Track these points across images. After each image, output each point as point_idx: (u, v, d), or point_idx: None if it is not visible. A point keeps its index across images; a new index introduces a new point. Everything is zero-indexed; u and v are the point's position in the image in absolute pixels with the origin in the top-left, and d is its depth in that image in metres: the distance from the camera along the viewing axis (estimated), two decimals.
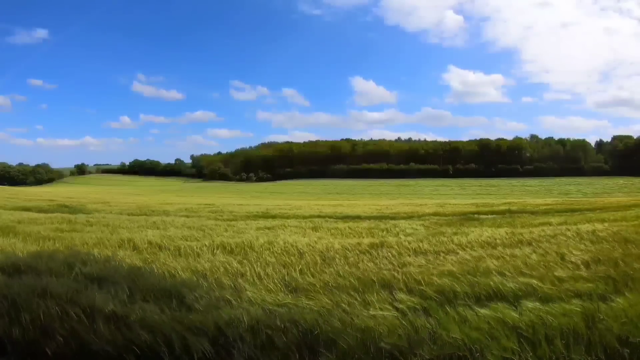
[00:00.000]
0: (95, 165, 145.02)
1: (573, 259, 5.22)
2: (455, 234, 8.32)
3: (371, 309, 3.44)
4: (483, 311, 3.20)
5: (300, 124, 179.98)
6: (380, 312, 3.33)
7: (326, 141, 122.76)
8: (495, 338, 2.79)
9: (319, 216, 15.15)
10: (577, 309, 3.23)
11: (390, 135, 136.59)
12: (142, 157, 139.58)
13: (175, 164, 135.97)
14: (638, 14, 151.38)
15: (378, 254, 6.01)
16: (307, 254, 5.94)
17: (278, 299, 3.78)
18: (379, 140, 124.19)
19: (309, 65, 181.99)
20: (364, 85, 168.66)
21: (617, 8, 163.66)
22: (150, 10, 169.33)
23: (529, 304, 3.37)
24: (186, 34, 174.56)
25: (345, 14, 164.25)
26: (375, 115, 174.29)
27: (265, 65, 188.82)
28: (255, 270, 4.91)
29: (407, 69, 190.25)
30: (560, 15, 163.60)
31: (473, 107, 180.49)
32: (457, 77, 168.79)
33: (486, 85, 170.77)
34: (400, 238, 7.63)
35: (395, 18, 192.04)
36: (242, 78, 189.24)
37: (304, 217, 14.70)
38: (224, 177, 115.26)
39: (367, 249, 6.43)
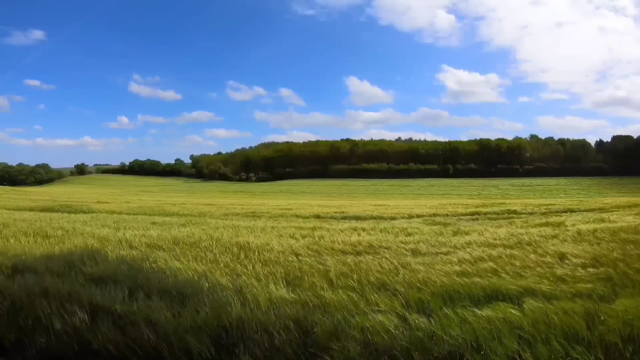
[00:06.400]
0: (95, 165, 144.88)
1: (572, 260, 5.23)
2: (455, 234, 8.33)
3: (371, 308, 3.45)
4: (483, 312, 3.21)
5: (298, 124, 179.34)
6: (381, 313, 3.34)
7: (326, 141, 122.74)
8: (496, 338, 2.80)
9: (319, 216, 15.16)
10: (578, 309, 3.24)
11: (390, 135, 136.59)
12: (142, 157, 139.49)
13: (175, 164, 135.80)
14: (632, 12, 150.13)
15: (378, 253, 6.03)
16: (307, 254, 5.96)
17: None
18: (379, 140, 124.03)
19: (304, 66, 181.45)
20: (359, 86, 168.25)
21: (611, 7, 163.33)
22: (145, 11, 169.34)
23: (529, 304, 3.38)
24: (181, 35, 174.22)
25: (339, 14, 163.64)
26: (372, 115, 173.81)
27: (261, 65, 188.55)
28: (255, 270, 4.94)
29: (402, 69, 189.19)
30: (554, 14, 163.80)
31: (470, 106, 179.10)
32: (452, 76, 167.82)
33: (482, 85, 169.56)
34: (400, 238, 7.64)
35: (389, 18, 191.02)
36: (238, 78, 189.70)
37: (306, 217, 14.72)
38: (224, 177, 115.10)
39: (367, 248, 6.45)
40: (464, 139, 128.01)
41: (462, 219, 12.94)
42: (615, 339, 2.77)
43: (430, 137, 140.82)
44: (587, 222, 10.13)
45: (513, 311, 3.20)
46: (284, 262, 5.49)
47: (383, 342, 2.84)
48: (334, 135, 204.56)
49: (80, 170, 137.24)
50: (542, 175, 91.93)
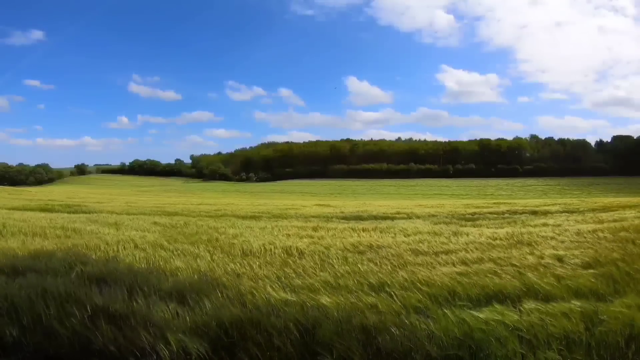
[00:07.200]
0: (95, 165, 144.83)
1: (572, 260, 5.23)
2: (455, 234, 8.33)
3: (371, 309, 3.45)
4: (483, 313, 3.20)
5: (297, 124, 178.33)
6: (380, 313, 3.34)
7: (326, 141, 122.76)
8: (496, 340, 2.79)
9: (319, 216, 15.16)
10: (578, 309, 3.23)
11: (389, 136, 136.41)
12: (142, 157, 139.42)
13: (175, 164, 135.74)
14: (632, 12, 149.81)
15: (377, 254, 6.03)
16: (307, 255, 5.96)
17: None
18: (379, 140, 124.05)
19: (303, 66, 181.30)
20: (358, 86, 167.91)
21: (611, 7, 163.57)
22: (145, 12, 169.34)
23: (529, 305, 3.36)
24: (180, 35, 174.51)
25: (338, 14, 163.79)
26: (372, 115, 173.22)
27: (260, 65, 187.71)
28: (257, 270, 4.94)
29: (401, 69, 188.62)
30: (554, 14, 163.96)
31: (469, 107, 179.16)
32: (451, 77, 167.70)
33: (481, 85, 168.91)
34: (400, 238, 7.64)
35: (388, 18, 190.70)
36: (238, 78, 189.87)
37: (306, 217, 14.72)
38: (224, 178, 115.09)
39: (367, 249, 6.45)
40: (464, 139, 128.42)
41: (461, 219, 12.93)
42: (616, 339, 2.77)
43: (430, 137, 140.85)
44: (586, 222, 10.13)
45: (513, 312, 3.19)
46: (283, 262, 5.49)
47: (382, 343, 2.84)
48: (333, 135, 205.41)
49: (81, 170, 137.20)
50: (542, 176, 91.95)
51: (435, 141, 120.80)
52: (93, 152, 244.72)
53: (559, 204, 19.05)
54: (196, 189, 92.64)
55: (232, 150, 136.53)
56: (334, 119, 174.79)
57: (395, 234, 8.56)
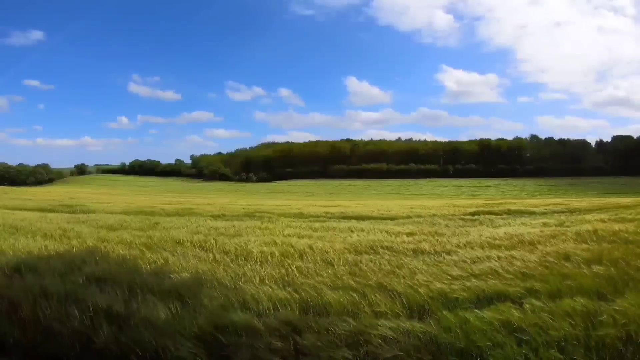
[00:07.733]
0: (95, 165, 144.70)
1: (573, 259, 5.22)
2: (455, 234, 8.32)
3: (371, 310, 3.44)
4: (484, 313, 3.19)
5: (297, 124, 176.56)
6: (380, 315, 3.33)
7: (326, 141, 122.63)
8: (496, 340, 2.79)
9: (319, 216, 15.15)
10: (579, 308, 3.22)
11: (389, 136, 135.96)
12: (142, 157, 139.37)
13: (175, 164, 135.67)
14: (632, 12, 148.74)
15: (377, 254, 6.02)
16: (306, 255, 5.95)
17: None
18: (379, 140, 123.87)
19: (303, 66, 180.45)
20: (358, 86, 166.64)
21: (610, 7, 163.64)
22: (145, 12, 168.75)
23: (531, 305, 3.36)
24: (180, 35, 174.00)
25: (337, 14, 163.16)
26: (371, 115, 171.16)
27: (260, 65, 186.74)
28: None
29: (401, 69, 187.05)
30: (553, 14, 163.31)
31: (469, 107, 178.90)
32: (451, 77, 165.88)
33: (481, 85, 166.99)
34: (400, 238, 7.63)
35: (388, 18, 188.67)
36: (238, 78, 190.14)
37: (305, 217, 14.72)
38: (224, 178, 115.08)
39: (367, 249, 6.44)
40: (464, 139, 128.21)
41: (462, 219, 12.91)
42: (617, 338, 2.76)
43: (430, 137, 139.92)
44: (586, 222, 10.12)
45: (514, 312, 3.18)
46: (283, 262, 5.48)
47: (381, 345, 2.83)
48: (333, 135, 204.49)
49: (81, 170, 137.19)
50: (543, 176, 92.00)
51: (435, 141, 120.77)
52: (93, 152, 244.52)
53: (559, 204, 19.02)
54: (196, 189, 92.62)
55: (232, 150, 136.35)
56: (334, 119, 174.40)
57: (396, 234, 8.54)
